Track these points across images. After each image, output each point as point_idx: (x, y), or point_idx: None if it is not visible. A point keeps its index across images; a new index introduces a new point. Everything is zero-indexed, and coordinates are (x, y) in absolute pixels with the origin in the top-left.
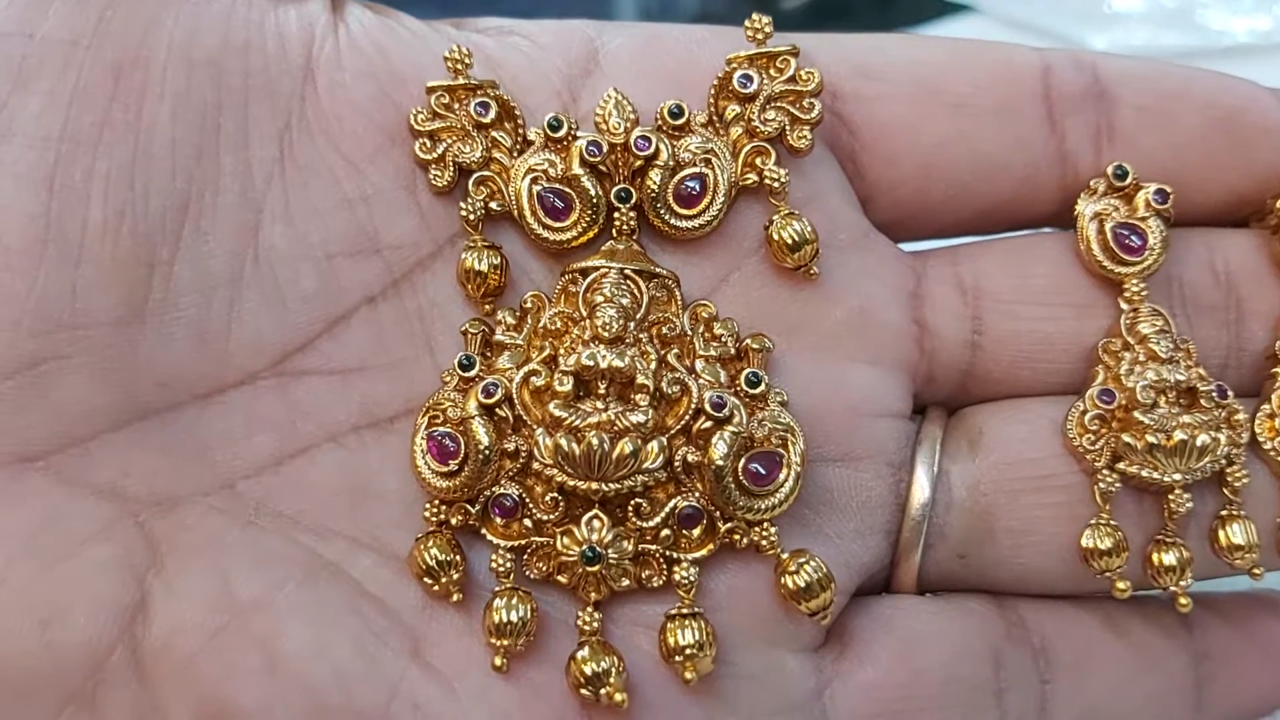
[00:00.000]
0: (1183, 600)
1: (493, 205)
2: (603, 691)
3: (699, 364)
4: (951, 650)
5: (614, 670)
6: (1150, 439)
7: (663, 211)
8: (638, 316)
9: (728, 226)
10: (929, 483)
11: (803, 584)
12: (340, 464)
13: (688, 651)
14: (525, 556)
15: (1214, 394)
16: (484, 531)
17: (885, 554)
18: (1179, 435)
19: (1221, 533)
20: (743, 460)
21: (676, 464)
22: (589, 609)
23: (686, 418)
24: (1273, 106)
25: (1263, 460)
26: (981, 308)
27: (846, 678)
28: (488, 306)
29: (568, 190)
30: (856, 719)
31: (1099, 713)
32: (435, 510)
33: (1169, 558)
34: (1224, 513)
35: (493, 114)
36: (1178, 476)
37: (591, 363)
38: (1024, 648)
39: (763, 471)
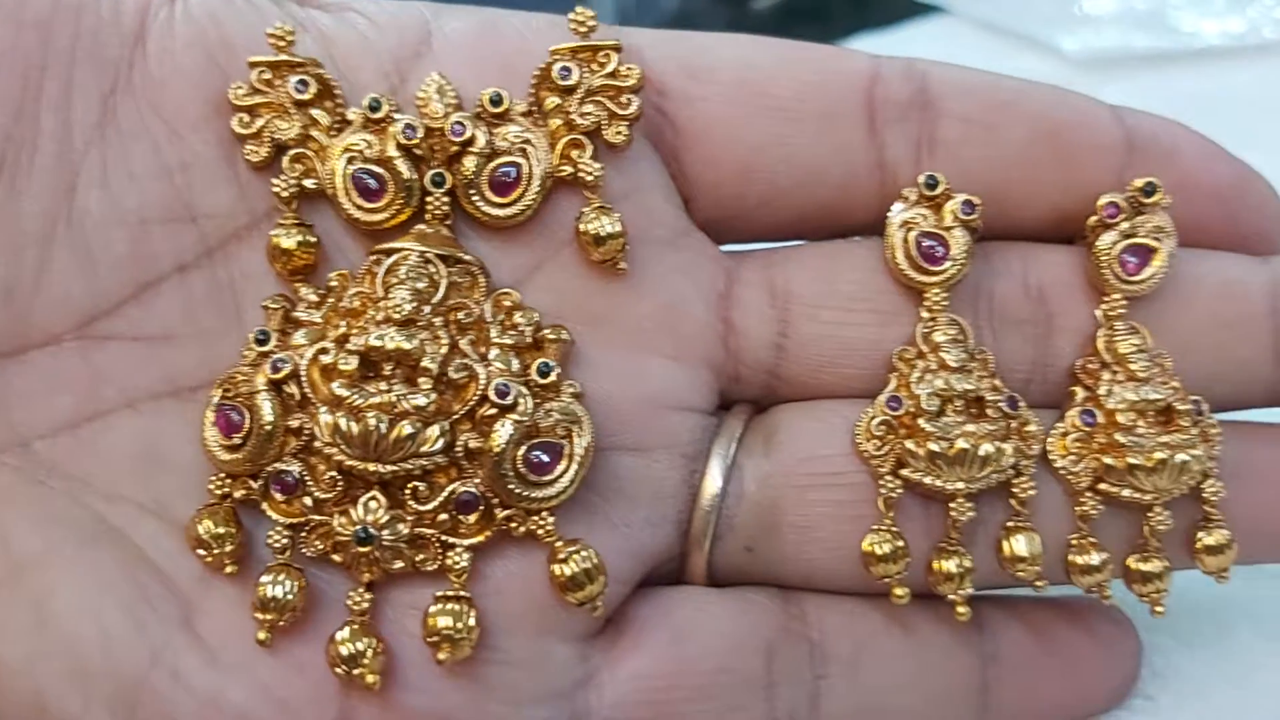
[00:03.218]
0: (961, 608)
1: (308, 183)
2: (355, 672)
3: (493, 352)
4: (724, 641)
5: (370, 651)
6: (932, 446)
7: (476, 198)
8: (433, 300)
9: (544, 217)
10: (721, 475)
11: (569, 574)
12: (137, 430)
13: (444, 633)
14: (304, 534)
15: (1003, 405)
16: (265, 507)
17: (675, 544)
18: (961, 444)
19: (1005, 543)
20: (524, 449)
21: (459, 450)
22: (360, 589)
23: (472, 403)
24: (1106, 124)
25: (1054, 478)
26: (789, 311)
27: (615, 666)
28: (298, 284)
29: (382, 171)
30: (622, 707)
31: (875, 710)
32: (220, 482)
33: (949, 565)
34: (1010, 524)
35: (312, 91)
36: (960, 485)
37: (379, 343)
38: (801, 642)
39: (544, 461)
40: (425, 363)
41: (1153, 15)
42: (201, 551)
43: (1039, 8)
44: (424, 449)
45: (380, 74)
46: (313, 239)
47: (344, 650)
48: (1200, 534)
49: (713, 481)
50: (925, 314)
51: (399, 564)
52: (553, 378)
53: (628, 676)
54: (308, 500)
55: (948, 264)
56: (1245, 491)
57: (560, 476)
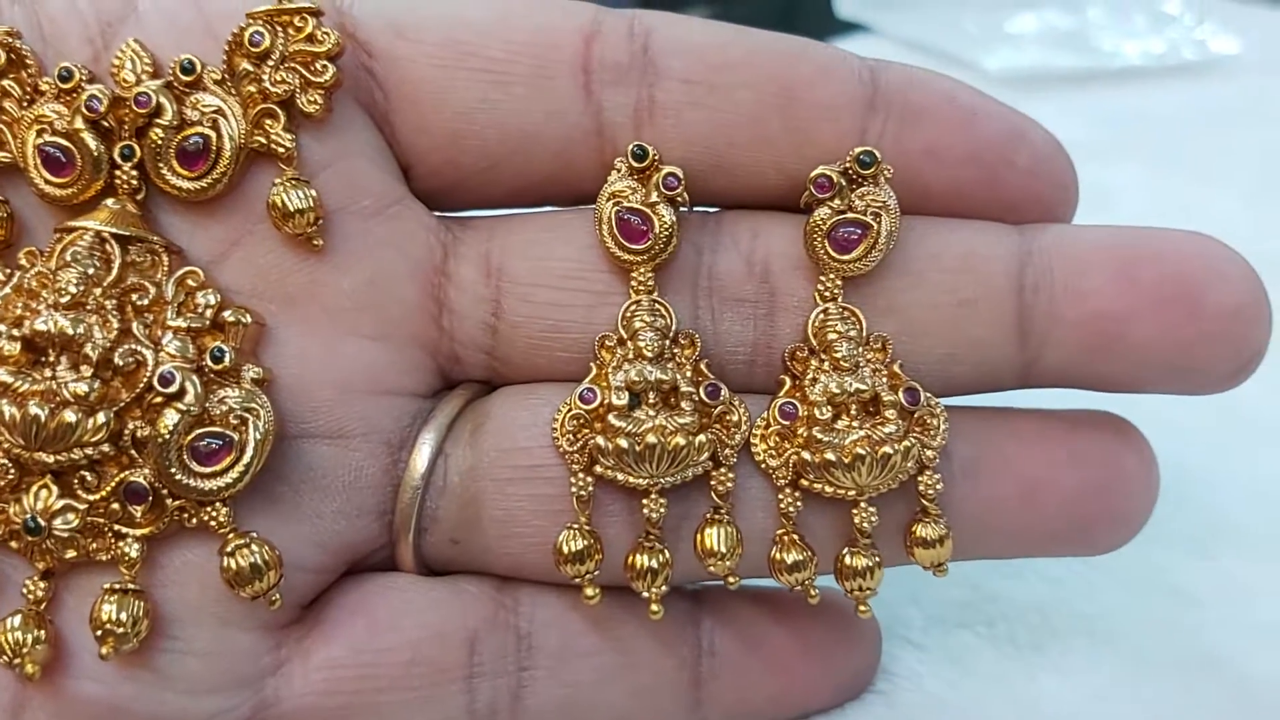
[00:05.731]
0: (654, 607)
1: (1, 156)
2: (16, 662)
3: (167, 336)
4: (424, 631)
5: (33, 641)
6: (620, 442)
7: (165, 171)
8: (105, 282)
9: (243, 190)
10: (425, 465)
11: (234, 568)
12: None
13: (107, 626)
14: None
15: (702, 394)
16: None
17: (379, 535)
18: (650, 439)
19: (698, 537)
20: (190, 438)
21: (127, 439)
22: (35, 578)
23: (140, 390)
24: (846, 82)
25: (758, 472)
26: (501, 289)
27: (307, 656)
28: None
29: (69, 145)
30: (311, 697)
31: (580, 704)
32: None
33: (644, 561)
34: (707, 515)
35: (0, 61)
36: (651, 481)
37: (43, 327)
38: (508, 633)
39: (213, 451)
40: (87, 349)
41: (1074, 35)
42: None
43: (963, 27)
44: (86, 438)
45: (85, 40)
46: (7, 215)
47: (5, 640)
48: (915, 526)
49: (415, 472)
50: (631, 294)
51: (71, 553)
52: (227, 362)
53: (318, 665)
54: None
55: (649, 241)
56: (976, 486)
57: (230, 467)
